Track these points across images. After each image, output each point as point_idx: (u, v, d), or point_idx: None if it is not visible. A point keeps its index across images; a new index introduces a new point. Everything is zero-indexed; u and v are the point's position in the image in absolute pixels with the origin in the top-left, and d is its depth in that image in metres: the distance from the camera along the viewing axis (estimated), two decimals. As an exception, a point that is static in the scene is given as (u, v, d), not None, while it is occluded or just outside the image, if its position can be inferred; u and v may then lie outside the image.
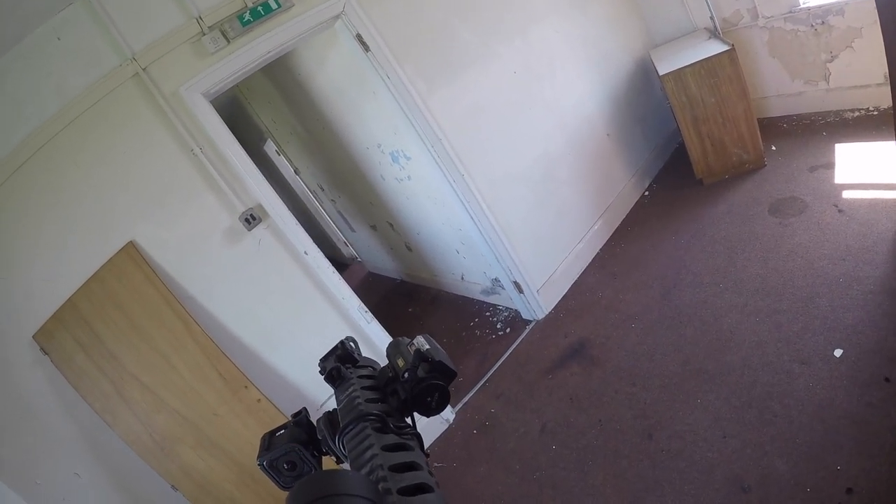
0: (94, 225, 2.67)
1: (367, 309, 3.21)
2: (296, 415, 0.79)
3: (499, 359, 3.76)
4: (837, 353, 2.50)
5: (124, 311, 2.68)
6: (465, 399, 3.60)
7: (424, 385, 0.71)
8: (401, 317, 5.18)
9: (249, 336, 2.97)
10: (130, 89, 2.67)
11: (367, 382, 0.75)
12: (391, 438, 0.62)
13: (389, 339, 3.16)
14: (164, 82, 2.71)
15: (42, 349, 2.62)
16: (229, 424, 2.77)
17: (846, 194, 3.30)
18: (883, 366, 2.35)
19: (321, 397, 3.05)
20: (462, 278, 4.64)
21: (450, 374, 0.72)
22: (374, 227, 5.53)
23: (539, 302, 3.86)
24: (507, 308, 4.25)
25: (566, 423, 3.02)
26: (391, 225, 5.03)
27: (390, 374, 0.74)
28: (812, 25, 3.82)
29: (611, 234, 4.32)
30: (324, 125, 4.62)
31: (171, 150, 2.76)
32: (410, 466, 0.56)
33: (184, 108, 2.74)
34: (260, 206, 2.91)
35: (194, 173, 2.80)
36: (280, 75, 4.51)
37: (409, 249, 5.09)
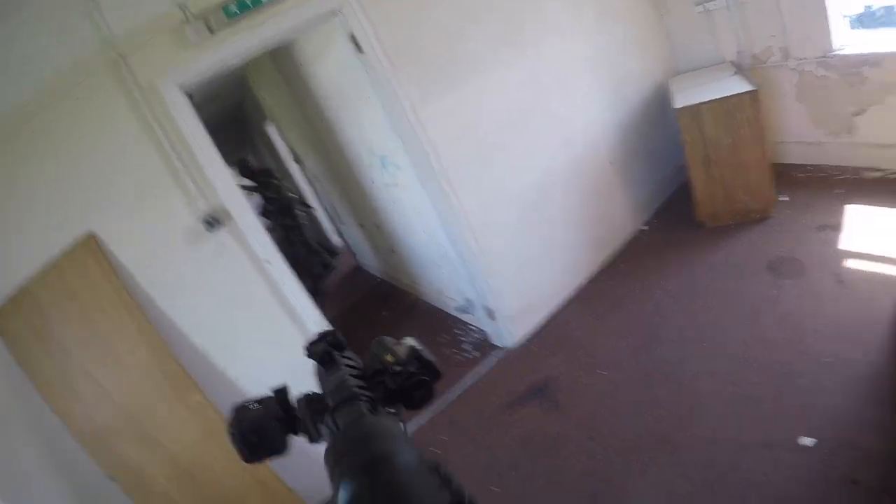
0: (55, 212, 2.62)
1: (327, 324, 3.08)
2: (277, 390, 0.80)
3: (461, 382, 3.62)
4: (809, 441, 2.31)
5: (79, 304, 2.68)
6: (419, 420, 3.48)
7: (415, 379, 0.76)
8: (374, 321, 5.05)
9: (201, 338, 2.90)
10: (107, 76, 2.60)
11: (355, 371, 0.78)
12: (382, 419, 0.67)
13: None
14: (141, 72, 2.62)
15: (-6, 328, 2.60)
16: (171, 424, 2.76)
17: (850, 263, 3.08)
18: (854, 465, 2.16)
19: None
20: (439, 291, 4.50)
21: (437, 374, 0.77)
22: (361, 226, 5.42)
23: (511, 331, 3.71)
24: (478, 329, 4.09)
25: (514, 465, 2.89)
26: (377, 226, 4.90)
27: (378, 367, 0.78)
28: (845, 74, 3.55)
29: (599, 267, 4.11)
30: (321, 117, 4.47)
31: (141, 143, 2.68)
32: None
33: (159, 100, 2.64)
34: (224, 209, 2.80)
35: (162, 170, 2.72)
36: (283, 61, 4.36)
37: (393, 252, 4.96)
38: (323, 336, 0.85)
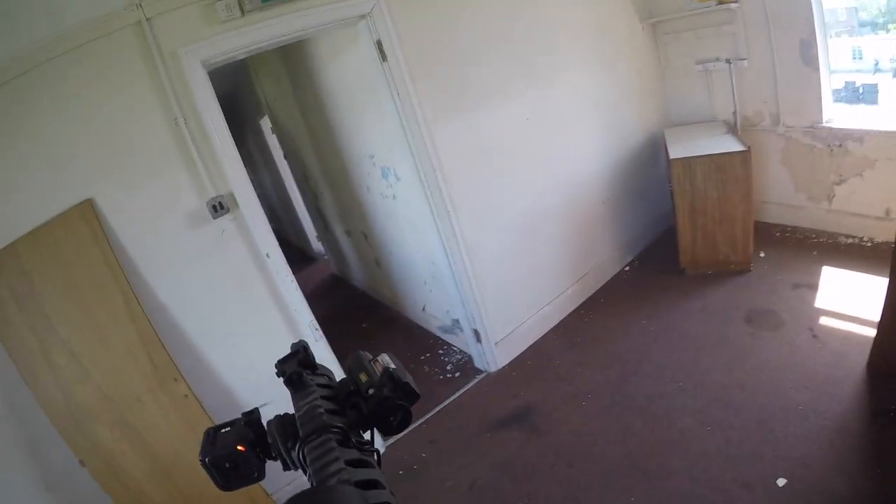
0: (56, 170, 2.44)
1: (317, 326, 3.05)
2: (247, 414, 0.76)
3: (442, 402, 3.62)
4: (781, 482, 2.43)
5: (68, 272, 2.48)
6: (398, 436, 3.45)
7: (389, 404, 0.72)
8: (354, 331, 4.99)
9: (191, 326, 2.78)
10: (129, 37, 2.46)
11: (326, 392, 0.74)
12: (353, 453, 0.62)
13: (334, 359, 3.04)
14: (165, 39, 2.51)
15: (-27, 288, 2.41)
16: (152, 414, 2.59)
17: (823, 320, 3.26)
18: (825, 506, 2.28)
19: (252, 404, 2.88)
20: (423, 309, 4.50)
21: (414, 397, 0.74)
22: (348, 233, 5.38)
23: (495, 355, 3.74)
24: (461, 351, 4.12)
25: (494, 488, 2.89)
26: (365, 236, 4.87)
27: (351, 388, 0.74)
28: (829, 145, 3.81)
29: (581, 301, 4.21)
30: (322, 118, 4.45)
31: (154, 113, 2.56)
32: (374, 484, 0.57)
33: (179, 73, 2.54)
34: (231, 196, 2.73)
35: (172, 144, 2.61)
36: (292, 55, 4.33)
37: (378, 265, 4.93)
38: (293, 353, 0.81)
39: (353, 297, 5.84)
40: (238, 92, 6.67)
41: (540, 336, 3.97)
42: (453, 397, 3.66)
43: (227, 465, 0.71)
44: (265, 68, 5.27)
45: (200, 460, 0.71)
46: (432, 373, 4.03)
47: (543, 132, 3.79)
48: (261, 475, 0.74)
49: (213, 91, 2.68)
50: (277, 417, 0.73)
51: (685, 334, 3.52)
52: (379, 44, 3.02)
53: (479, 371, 3.84)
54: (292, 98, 4.95)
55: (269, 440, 0.72)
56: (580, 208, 4.09)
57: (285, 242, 8.20)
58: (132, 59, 2.50)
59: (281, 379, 0.78)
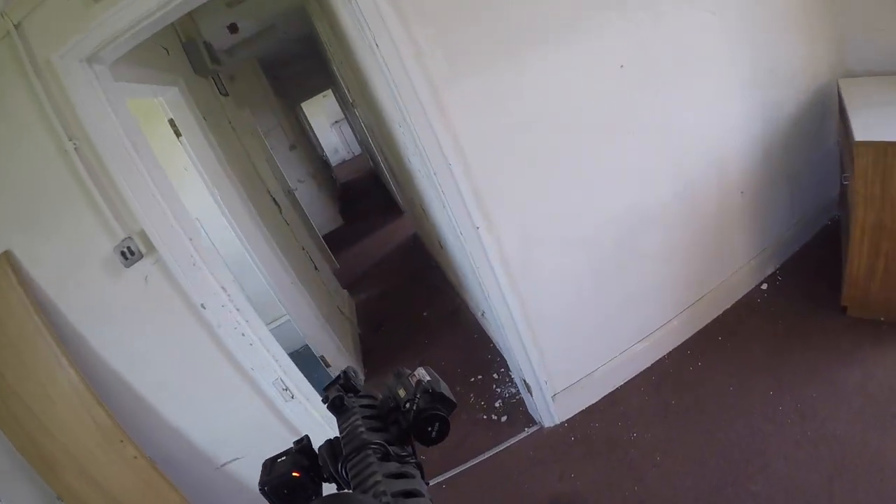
0: None
1: (286, 386, 2.42)
2: (298, 442, 0.80)
3: (476, 456, 2.84)
4: None
5: (1, 327, 2.26)
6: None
7: (425, 415, 0.74)
8: (414, 320, 4.59)
9: (139, 383, 2.41)
10: (2, 54, 1.96)
11: (369, 412, 0.77)
12: (393, 466, 0.65)
13: (315, 422, 2.53)
14: (39, 45, 1.95)
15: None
16: (108, 469, 2.41)
17: None
18: None
19: (221, 460, 2.56)
20: (482, 315, 3.60)
21: (450, 406, 0.76)
22: (411, 201, 4.57)
23: (550, 410, 2.77)
24: (516, 384, 3.20)
25: None
26: (424, 211, 3.92)
27: (392, 405, 0.76)
28: None
29: (690, 335, 2.95)
30: (356, 70, 3.47)
31: (44, 143, 2.06)
32: (412, 493, 0.59)
33: (57, 83, 1.96)
34: (143, 235, 2.14)
35: (69, 178, 2.08)
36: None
37: (441, 247, 4.05)
38: (336, 380, 0.82)
39: (424, 270, 5.38)
40: (312, 32, 5.88)
41: (622, 383, 2.89)
42: (490, 453, 2.84)
43: (285, 491, 0.74)
44: (312, 6, 4.36)
45: (260, 489, 0.74)
46: (477, 406, 3.20)
47: (649, 87, 2.49)
48: (318, 497, 0.75)
49: (107, 95, 2.02)
50: (328, 441, 0.77)
51: (825, 429, 2.26)
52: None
53: (530, 420, 2.93)
54: (336, 43, 3.97)
55: (321, 463, 0.76)
56: (706, 203, 2.78)
57: (382, 187, 7.78)
58: (10, 82, 1.99)
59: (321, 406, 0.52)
